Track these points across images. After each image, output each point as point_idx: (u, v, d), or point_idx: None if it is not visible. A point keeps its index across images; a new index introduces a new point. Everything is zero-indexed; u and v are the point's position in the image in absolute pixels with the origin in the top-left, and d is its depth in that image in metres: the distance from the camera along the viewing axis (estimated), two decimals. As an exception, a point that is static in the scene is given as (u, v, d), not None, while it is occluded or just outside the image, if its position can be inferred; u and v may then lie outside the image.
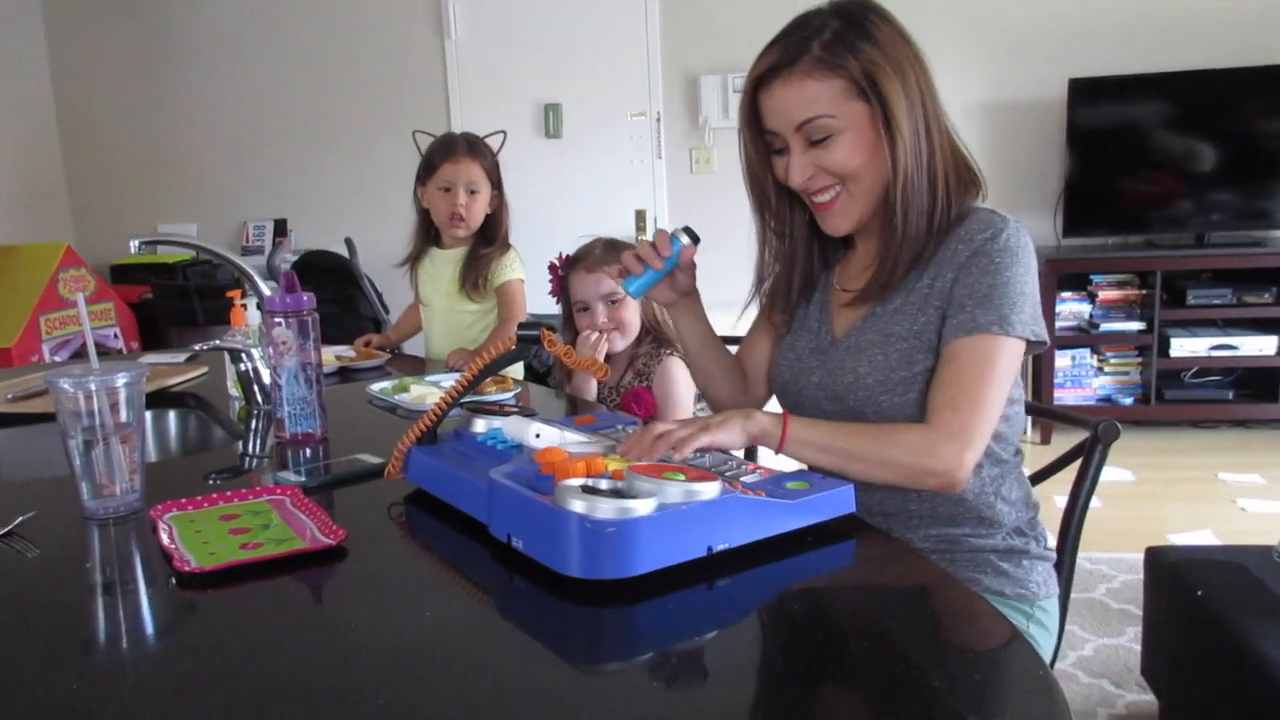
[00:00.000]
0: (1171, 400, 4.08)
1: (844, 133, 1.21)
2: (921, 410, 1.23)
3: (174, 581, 0.96)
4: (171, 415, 1.90)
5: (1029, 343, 1.22)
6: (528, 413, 1.19)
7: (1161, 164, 4.09)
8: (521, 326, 1.14)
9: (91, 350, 1.20)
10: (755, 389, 1.48)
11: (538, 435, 1.10)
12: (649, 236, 4.52)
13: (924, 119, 1.23)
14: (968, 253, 1.22)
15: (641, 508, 0.88)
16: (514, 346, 1.13)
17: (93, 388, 1.11)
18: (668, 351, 2.01)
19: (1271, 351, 3.95)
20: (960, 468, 1.16)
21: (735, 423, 1.14)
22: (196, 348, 1.83)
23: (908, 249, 1.25)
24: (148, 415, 1.81)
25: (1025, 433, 4.12)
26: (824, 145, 1.23)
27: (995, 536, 1.31)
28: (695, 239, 1.32)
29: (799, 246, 1.38)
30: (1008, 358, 1.20)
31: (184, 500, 1.15)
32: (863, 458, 1.18)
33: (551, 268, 2.08)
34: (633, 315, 2.00)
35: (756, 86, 1.26)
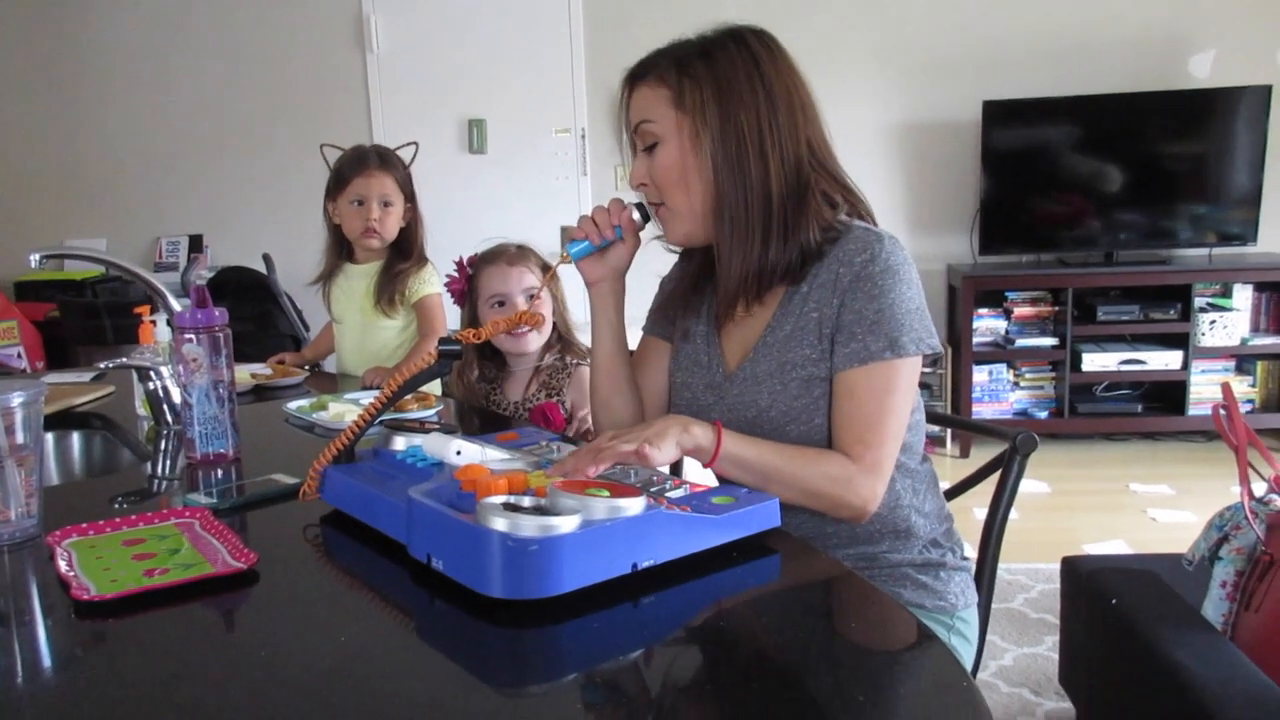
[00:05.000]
0: (1084, 414, 4.20)
1: (664, 141, 1.26)
2: (826, 434, 1.24)
3: (73, 611, 0.91)
4: (75, 436, 1.82)
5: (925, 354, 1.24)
6: (449, 429, 1.16)
7: (1072, 185, 4.22)
8: (442, 342, 1.11)
9: (-14, 368, 1.14)
10: (651, 415, 1.45)
11: (458, 452, 1.08)
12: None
13: (754, 140, 1.22)
14: (849, 276, 1.22)
15: (565, 525, 0.86)
16: (435, 361, 1.10)
17: (-14, 407, 1.06)
18: (575, 362, 1.97)
19: (1177, 366, 4.09)
20: (874, 500, 1.20)
21: (671, 436, 1.12)
22: (103, 365, 1.76)
23: (741, 264, 1.25)
24: (49, 436, 1.74)
25: (945, 446, 4.21)
26: (652, 153, 1.28)
27: (912, 550, 1.32)
28: (646, 217, 1.33)
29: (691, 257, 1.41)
30: (904, 379, 1.22)
31: (85, 525, 1.10)
32: (787, 482, 1.18)
33: (459, 266, 2.00)
34: (548, 313, 1.96)
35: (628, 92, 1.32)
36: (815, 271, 1.26)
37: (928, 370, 4.12)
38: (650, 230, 1.37)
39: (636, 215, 1.34)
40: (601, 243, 1.35)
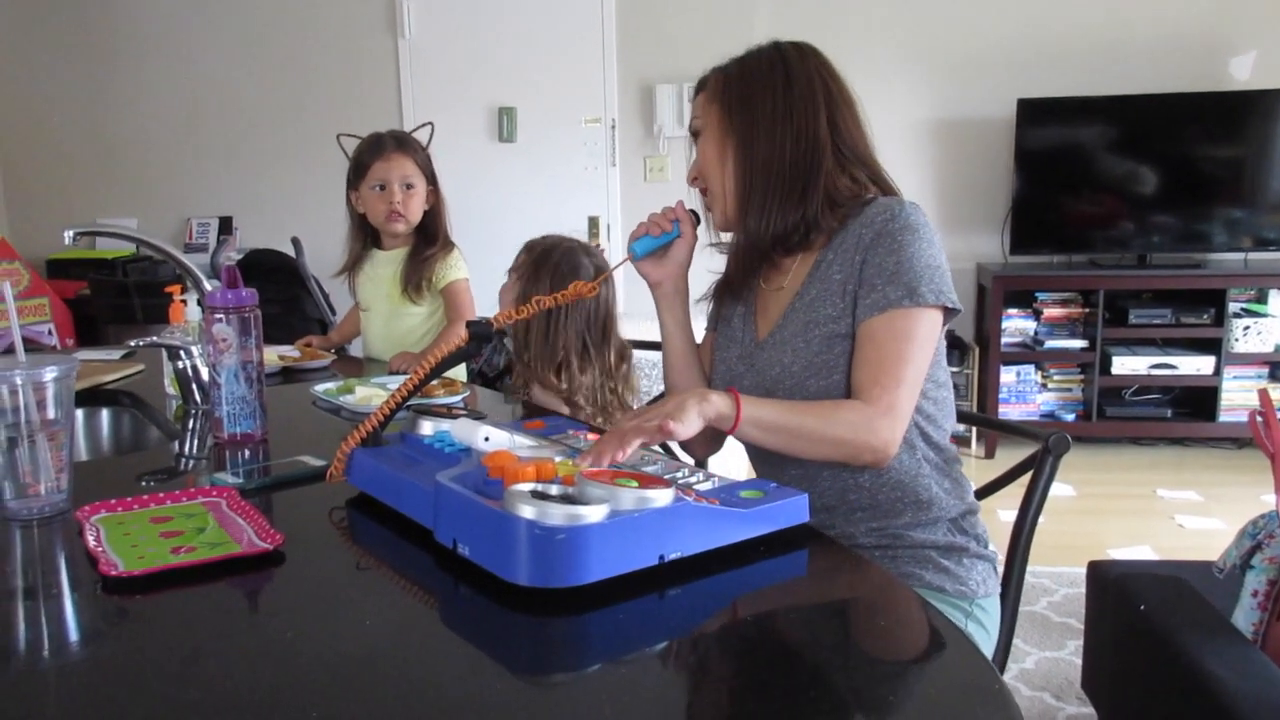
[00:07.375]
0: (1112, 417, 4.15)
1: (704, 132, 1.39)
2: (845, 391, 1.28)
3: (100, 586, 0.92)
4: (104, 413, 1.83)
5: (945, 310, 1.28)
6: (477, 415, 1.16)
7: (1105, 186, 4.17)
8: (472, 324, 1.11)
9: (19, 343, 1.15)
10: None
11: (486, 439, 1.07)
12: (603, 242, 4.51)
13: (765, 118, 1.32)
14: (871, 235, 1.28)
15: (593, 514, 0.86)
16: (467, 343, 1.10)
17: (18, 382, 1.06)
18: None
19: (1209, 371, 4.03)
20: (894, 442, 1.23)
21: (691, 407, 1.13)
22: (133, 344, 1.77)
23: (747, 233, 1.36)
24: (79, 413, 1.76)
25: (970, 446, 4.18)
26: (698, 144, 1.40)
27: (936, 531, 1.33)
28: (697, 220, 1.44)
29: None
30: (923, 328, 1.25)
31: (113, 501, 1.10)
32: (809, 436, 1.22)
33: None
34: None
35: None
36: (840, 239, 1.32)
37: (954, 369, 4.08)
38: (706, 236, 1.46)
39: (689, 217, 1.44)
40: (662, 236, 1.42)
